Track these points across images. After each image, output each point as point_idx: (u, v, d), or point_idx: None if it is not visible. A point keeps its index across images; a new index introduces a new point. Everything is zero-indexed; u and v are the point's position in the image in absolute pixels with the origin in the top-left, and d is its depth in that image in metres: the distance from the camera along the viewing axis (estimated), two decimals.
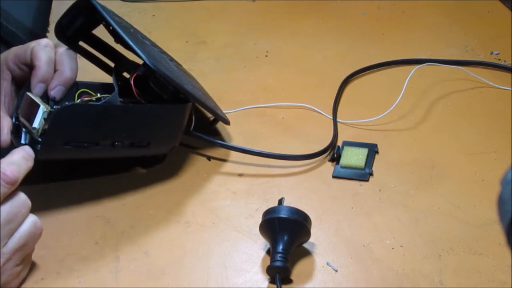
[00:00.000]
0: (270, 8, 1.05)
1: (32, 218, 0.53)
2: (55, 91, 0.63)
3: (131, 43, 0.60)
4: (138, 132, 0.62)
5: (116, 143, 0.61)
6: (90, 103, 0.63)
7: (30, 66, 0.63)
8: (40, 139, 0.58)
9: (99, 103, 0.62)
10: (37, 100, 0.60)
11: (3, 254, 0.51)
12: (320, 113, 0.77)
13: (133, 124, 0.61)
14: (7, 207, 0.51)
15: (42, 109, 0.58)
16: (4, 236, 0.51)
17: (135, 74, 0.63)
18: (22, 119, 0.61)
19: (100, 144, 0.60)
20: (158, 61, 0.63)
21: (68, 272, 0.56)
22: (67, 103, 0.64)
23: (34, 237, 0.53)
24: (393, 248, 0.58)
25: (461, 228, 0.60)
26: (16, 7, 0.93)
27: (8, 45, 0.85)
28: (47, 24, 0.99)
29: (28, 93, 0.62)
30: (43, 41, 0.63)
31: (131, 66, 0.67)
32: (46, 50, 0.62)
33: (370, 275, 0.55)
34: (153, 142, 0.63)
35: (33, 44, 0.63)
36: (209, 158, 0.70)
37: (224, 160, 0.70)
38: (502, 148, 0.70)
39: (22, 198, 0.53)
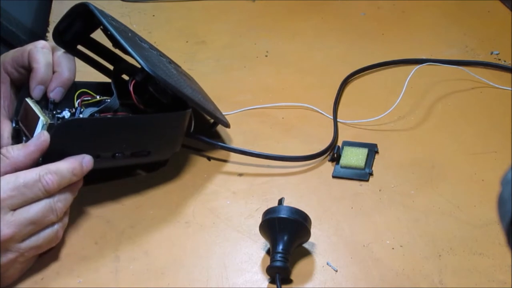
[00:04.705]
0: (270, 8, 1.05)
1: (56, 227, 0.56)
2: (55, 93, 0.63)
3: (129, 49, 0.60)
4: (138, 142, 0.62)
5: (116, 154, 0.61)
6: (89, 117, 0.62)
7: (28, 69, 0.63)
8: None
9: (98, 116, 0.62)
10: (37, 111, 0.60)
11: (19, 249, 0.53)
12: (320, 113, 0.77)
13: (133, 134, 0.61)
14: (35, 209, 0.53)
15: (42, 122, 0.58)
16: (24, 234, 0.53)
17: (133, 81, 0.63)
18: (22, 126, 0.61)
19: (101, 156, 0.59)
20: (156, 65, 0.63)
21: (68, 272, 0.56)
22: (67, 110, 0.64)
23: (50, 243, 0.56)
24: (393, 248, 0.58)
25: (461, 228, 0.60)
26: (16, 7, 0.94)
27: (8, 45, 0.86)
28: (47, 24, 0.99)
29: (28, 100, 0.61)
30: (40, 43, 0.63)
31: (129, 68, 0.67)
32: (43, 52, 0.62)
33: (370, 275, 0.55)
34: (153, 150, 0.63)
35: (30, 47, 0.63)
36: (209, 158, 0.70)
37: (224, 160, 0.70)
38: (502, 148, 0.70)
39: (55, 206, 0.55)
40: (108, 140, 0.60)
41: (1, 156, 0.55)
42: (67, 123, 0.58)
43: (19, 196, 0.52)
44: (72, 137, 0.57)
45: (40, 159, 0.57)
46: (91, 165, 0.58)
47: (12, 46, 0.85)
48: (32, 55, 0.62)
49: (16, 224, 0.52)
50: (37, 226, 0.54)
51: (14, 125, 0.63)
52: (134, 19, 1.03)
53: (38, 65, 0.62)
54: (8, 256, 0.52)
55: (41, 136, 0.56)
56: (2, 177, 0.53)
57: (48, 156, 0.56)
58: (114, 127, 0.60)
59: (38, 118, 0.59)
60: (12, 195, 0.52)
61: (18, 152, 0.55)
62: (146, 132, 0.62)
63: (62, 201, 0.55)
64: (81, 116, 0.63)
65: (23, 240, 0.53)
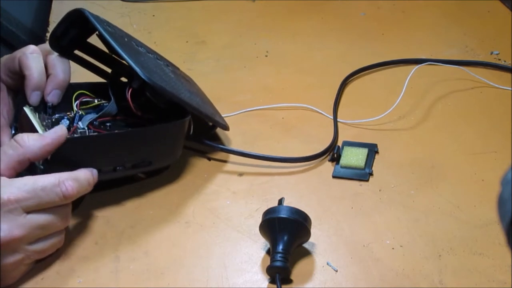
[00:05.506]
0: (270, 8, 1.05)
1: (62, 234, 0.57)
2: (51, 96, 0.62)
3: (125, 56, 0.60)
4: (139, 154, 0.62)
5: (118, 168, 0.60)
6: (89, 134, 0.62)
7: (21, 75, 0.63)
8: (42, 167, 0.57)
9: (97, 134, 0.62)
10: (35, 122, 0.60)
11: (26, 251, 0.53)
12: (320, 113, 0.77)
13: (134, 147, 0.61)
14: (48, 215, 0.53)
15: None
16: (33, 237, 0.53)
17: (130, 89, 0.62)
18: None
19: (102, 171, 0.59)
20: (152, 71, 0.63)
21: (68, 272, 0.56)
22: (65, 118, 0.64)
23: (53, 249, 0.56)
24: (393, 248, 0.58)
25: (461, 228, 0.60)
26: (16, 7, 0.94)
27: (8, 45, 0.85)
28: (47, 24, 0.99)
29: (26, 109, 0.61)
30: (29, 48, 0.63)
31: (127, 72, 0.67)
32: (33, 57, 0.62)
33: (370, 275, 0.55)
34: (155, 160, 0.63)
35: (19, 54, 0.62)
36: (209, 158, 0.70)
37: (224, 161, 0.70)
38: (502, 148, 0.70)
39: (63, 215, 0.55)
40: (109, 155, 0.59)
41: (15, 143, 0.54)
42: (67, 141, 0.57)
43: (35, 199, 0.52)
44: (73, 155, 0.57)
45: (42, 166, 0.57)
46: (97, 178, 0.58)
47: (12, 46, 0.85)
48: (22, 62, 0.62)
49: (27, 227, 0.52)
50: (46, 231, 0.54)
51: (13, 131, 0.63)
52: (134, 19, 1.03)
53: (30, 72, 0.61)
54: (16, 257, 0.53)
55: (58, 130, 0.55)
56: (20, 178, 0.53)
57: (47, 170, 0.56)
58: (115, 141, 0.60)
59: (37, 131, 0.58)
60: (28, 197, 0.52)
61: (34, 142, 0.54)
62: (146, 144, 0.62)
63: (70, 209, 0.56)
64: (80, 124, 0.63)
65: (31, 243, 0.53)
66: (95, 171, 0.58)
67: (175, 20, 1.03)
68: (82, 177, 0.56)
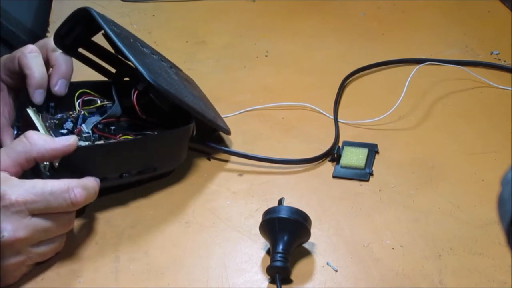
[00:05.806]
0: (270, 8, 1.05)
1: (64, 239, 0.57)
2: (59, 86, 0.63)
3: (131, 57, 0.60)
4: (144, 161, 0.62)
5: (124, 175, 0.61)
6: (96, 143, 0.62)
7: (21, 75, 0.63)
8: (48, 173, 0.57)
9: (106, 142, 0.62)
10: (38, 125, 0.60)
11: (29, 253, 0.53)
12: (320, 113, 0.77)
13: (140, 154, 0.61)
14: (52, 220, 0.54)
15: None
16: (36, 239, 0.53)
17: (136, 92, 0.62)
18: None
19: (108, 178, 0.59)
20: (157, 73, 0.63)
21: (68, 272, 0.56)
22: (69, 120, 0.64)
23: (54, 252, 0.57)
24: (393, 248, 0.58)
25: (461, 228, 0.60)
26: (16, 7, 0.93)
27: (8, 45, 0.85)
28: (47, 24, 0.99)
29: (29, 111, 0.61)
30: (27, 48, 0.63)
31: (131, 72, 0.67)
32: (32, 56, 0.62)
33: (370, 275, 0.55)
34: (160, 166, 0.63)
35: (18, 53, 0.62)
36: (209, 158, 0.70)
37: (224, 160, 0.70)
38: (502, 148, 0.70)
39: (67, 220, 0.55)
40: (115, 163, 0.59)
41: (24, 140, 0.54)
42: (76, 149, 0.56)
43: (43, 202, 0.52)
44: (79, 164, 0.57)
45: (48, 173, 0.57)
46: (99, 186, 0.58)
47: (12, 46, 0.85)
48: (21, 62, 0.62)
49: (31, 229, 0.52)
50: (49, 234, 0.54)
51: (16, 131, 0.63)
52: (134, 19, 1.03)
53: (31, 71, 0.61)
54: (18, 258, 0.53)
55: (70, 139, 0.55)
56: (29, 180, 0.52)
57: (53, 177, 0.55)
58: (122, 150, 0.60)
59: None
60: (36, 200, 0.52)
61: (43, 143, 0.54)
62: (153, 150, 0.62)
63: (73, 215, 0.56)
64: (84, 127, 0.63)
65: (34, 245, 0.53)
66: (98, 180, 0.58)
67: (175, 20, 1.03)
68: (90, 186, 0.56)
